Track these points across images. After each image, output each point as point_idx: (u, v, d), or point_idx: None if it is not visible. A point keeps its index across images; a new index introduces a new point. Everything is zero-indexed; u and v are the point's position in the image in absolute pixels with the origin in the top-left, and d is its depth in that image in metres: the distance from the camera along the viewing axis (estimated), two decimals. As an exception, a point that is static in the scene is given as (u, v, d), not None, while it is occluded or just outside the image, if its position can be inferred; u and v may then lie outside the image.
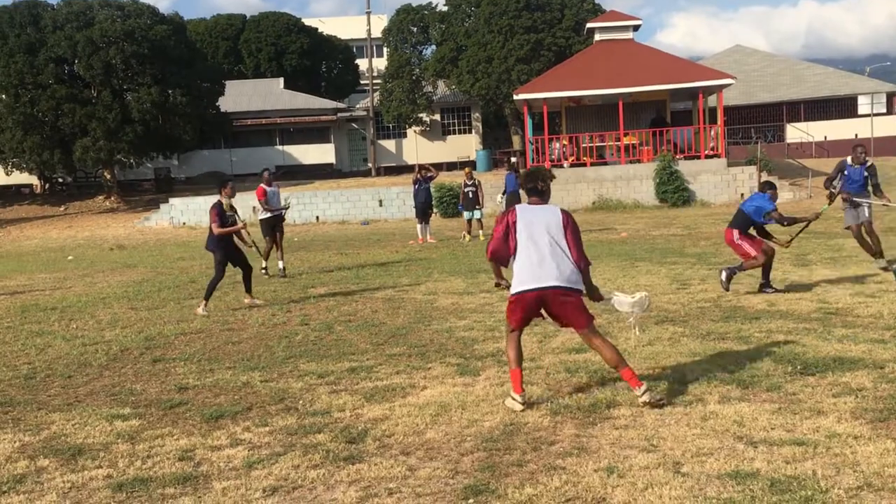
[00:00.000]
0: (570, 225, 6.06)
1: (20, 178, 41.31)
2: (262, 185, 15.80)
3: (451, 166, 41.23)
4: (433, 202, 24.69)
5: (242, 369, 7.69)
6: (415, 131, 46.13)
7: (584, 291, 6.13)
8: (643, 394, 5.81)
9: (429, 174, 22.20)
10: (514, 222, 6.08)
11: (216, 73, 41.53)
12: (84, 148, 35.14)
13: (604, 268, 13.81)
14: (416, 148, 46.41)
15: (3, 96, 35.28)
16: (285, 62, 50.64)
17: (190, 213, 33.53)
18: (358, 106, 48.84)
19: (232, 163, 44.37)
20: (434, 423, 5.73)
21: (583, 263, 6.04)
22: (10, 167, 37.99)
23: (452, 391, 6.52)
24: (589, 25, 35.57)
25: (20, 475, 5.07)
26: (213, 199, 35.42)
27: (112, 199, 38.84)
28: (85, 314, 11.75)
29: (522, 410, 5.86)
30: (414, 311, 10.55)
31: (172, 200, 34.53)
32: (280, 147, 45.53)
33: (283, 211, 15.98)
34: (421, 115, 44.30)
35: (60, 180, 43.14)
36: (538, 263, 5.93)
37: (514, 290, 6.02)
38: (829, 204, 12.28)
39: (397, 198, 32.57)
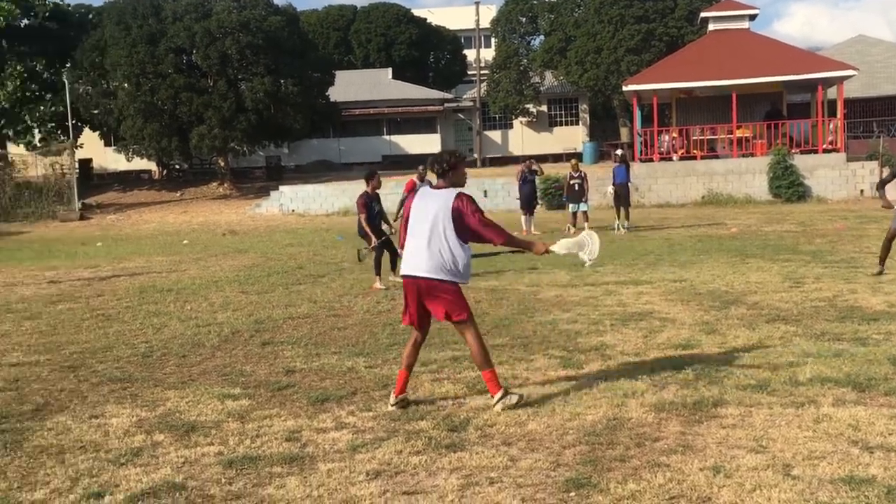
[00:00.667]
0: (468, 209, 5.80)
1: (140, 164, 43.07)
2: (414, 178, 16.12)
3: (556, 158, 40.89)
4: (538, 194, 24.58)
5: (348, 355, 7.83)
6: (521, 122, 45.96)
7: (461, 281, 5.88)
8: (496, 402, 5.78)
9: (533, 168, 22.15)
10: (410, 206, 6.05)
11: (327, 64, 42.32)
12: (200, 136, 36.34)
13: (713, 263, 13.47)
14: (521, 139, 46.24)
15: (126, 85, 36.78)
16: (394, 53, 51.20)
17: (299, 200, 34.29)
18: (465, 96, 48.98)
19: (340, 152, 45.17)
20: (536, 414, 5.70)
21: (503, 240, 5.90)
22: (130, 154, 39.65)
23: (555, 383, 6.48)
24: (703, 15, 34.66)
25: (137, 448, 5.30)
26: (321, 187, 35.96)
27: (225, 185, 40.08)
28: (199, 296, 12.18)
29: (393, 406, 5.90)
30: (517, 302, 10.53)
31: (282, 188, 35.38)
32: (387, 137, 46.09)
33: None
34: (527, 105, 44.09)
35: (177, 167, 44.77)
36: (412, 251, 5.89)
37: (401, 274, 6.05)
38: None
39: (502, 189, 32.50)
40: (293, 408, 6.12)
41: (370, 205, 12.71)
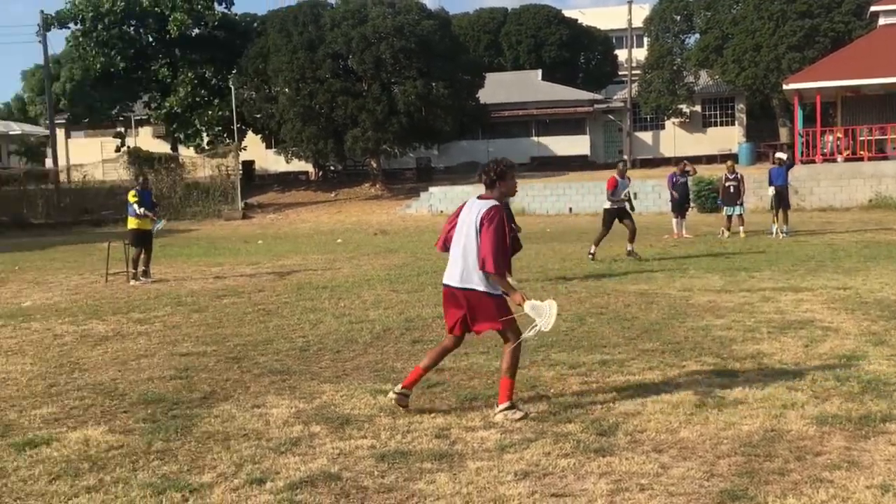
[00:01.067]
0: (486, 223, 5.68)
1: (298, 165, 44.81)
2: (616, 175, 16.25)
3: (710, 159, 39.67)
4: (691, 196, 23.93)
5: (495, 355, 7.86)
6: (673, 123, 44.87)
7: (493, 291, 5.78)
8: (500, 411, 5.73)
9: (686, 169, 21.57)
10: (458, 215, 5.99)
11: (477, 66, 42.73)
12: (354, 138, 37.44)
13: (881, 270, 12.75)
14: (673, 140, 45.13)
15: (287, 90, 38.35)
16: (544, 54, 51.07)
17: (448, 201, 34.74)
18: (615, 97, 48.28)
19: (489, 153, 45.42)
20: (688, 422, 5.58)
21: (482, 266, 5.67)
22: (290, 156, 41.37)
23: (708, 391, 6.31)
24: (872, 9, 32.86)
25: (296, 438, 5.53)
26: (470, 188, 36.17)
27: (377, 186, 41.12)
28: (352, 294, 12.55)
29: (391, 399, 5.98)
30: (668, 306, 10.30)
31: (432, 189, 35.96)
32: (535, 138, 46.03)
33: (626, 202, 16.25)
34: (680, 106, 43.00)
35: (332, 168, 46.30)
36: (451, 261, 5.90)
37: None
38: None
39: (652, 191, 31.84)
40: (443, 405, 6.22)
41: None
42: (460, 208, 6.07)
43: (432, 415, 5.96)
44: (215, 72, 42.55)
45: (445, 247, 6.14)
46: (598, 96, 47.47)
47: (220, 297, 12.64)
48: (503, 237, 5.70)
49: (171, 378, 7.35)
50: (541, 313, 5.90)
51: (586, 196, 33.08)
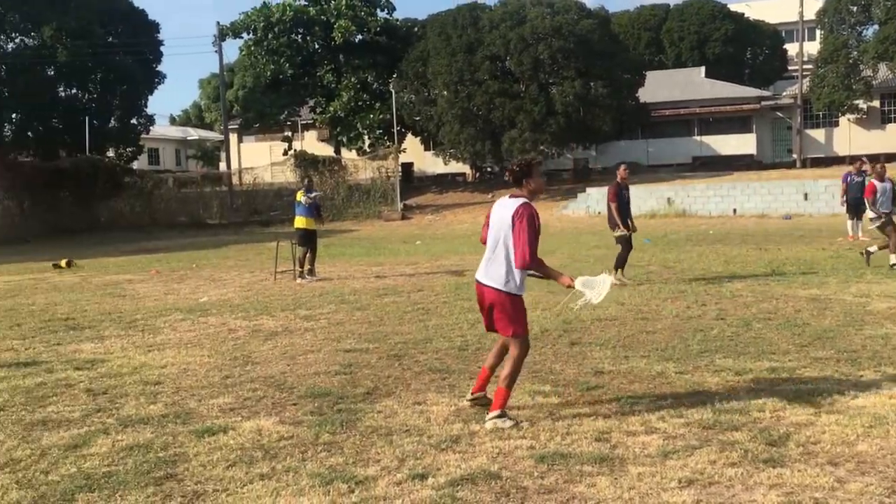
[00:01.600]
0: (517, 221, 5.72)
1: (455, 167, 45.41)
2: (874, 180, 14.59)
3: (890, 158, 37.28)
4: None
5: (657, 359, 7.71)
6: (848, 119, 42.47)
7: (516, 293, 5.84)
8: (490, 419, 5.75)
9: (863, 168, 20.37)
10: (489, 215, 6.06)
11: (637, 65, 41.95)
12: (511, 139, 37.55)
13: None
14: (848, 138, 42.74)
15: (445, 93, 38.95)
16: (707, 50, 49.54)
17: (605, 203, 34.25)
18: (784, 93, 46.19)
19: (648, 153, 44.52)
20: (867, 435, 5.27)
21: (521, 263, 5.71)
22: (447, 157, 41.97)
23: (889, 403, 5.94)
24: None
25: (456, 436, 5.60)
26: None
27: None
28: (509, 294, 12.58)
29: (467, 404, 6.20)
30: (843, 313, 9.76)
31: (589, 190, 35.56)
32: (697, 137, 44.69)
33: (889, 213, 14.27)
34: (856, 101, 40.61)
35: (489, 169, 46.60)
36: (484, 258, 5.98)
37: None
38: None
39: (825, 191, 30.29)
40: (602, 409, 6.15)
41: (620, 193, 13.55)
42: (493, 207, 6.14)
43: (592, 418, 5.90)
44: (377, 76, 43.73)
45: (485, 241, 6.16)
46: (765, 93, 45.57)
47: (380, 296, 12.97)
48: (535, 232, 5.74)
49: (336, 373, 7.61)
50: (592, 286, 6.00)
51: (752, 197, 31.84)
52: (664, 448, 5.19)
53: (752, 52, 52.29)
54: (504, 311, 5.88)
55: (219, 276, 17.65)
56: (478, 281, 6.06)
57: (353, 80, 43.26)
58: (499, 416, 5.79)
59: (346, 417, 6.11)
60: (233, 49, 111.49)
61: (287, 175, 43.55)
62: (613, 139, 42.18)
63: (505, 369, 5.91)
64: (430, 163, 47.59)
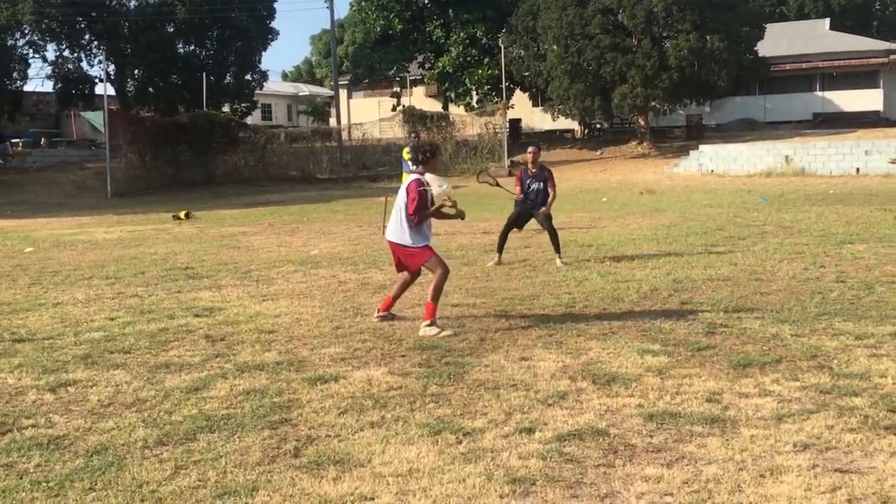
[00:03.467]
0: (409, 193, 7.66)
1: (564, 123, 44.81)
2: None
3: None
4: None
5: (771, 321, 7.49)
6: None
7: (411, 244, 7.73)
8: (424, 328, 7.39)
9: None
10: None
11: (756, 17, 40.26)
12: (622, 95, 36.74)
13: None
14: None
15: (555, 47, 38.32)
16: (833, 1, 47.14)
17: (719, 160, 33.28)
18: (916, 46, 43.64)
19: (765, 110, 42.91)
20: None
21: (412, 220, 7.67)
22: (556, 113, 41.43)
23: None
24: None
25: (563, 392, 5.60)
26: (743, 147, 34.64)
27: (644, 144, 40.19)
28: (617, 253, 12.43)
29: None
30: (974, 278, 9.24)
31: (702, 147, 34.59)
32: (819, 93, 42.80)
33: None
34: None
35: (598, 126, 45.83)
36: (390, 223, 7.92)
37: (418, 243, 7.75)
38: None
39: (957, 150, 28.61)
40: (713, 369, 6.03)
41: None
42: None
43: (703, 378, 5.79)
44: (486, 31, 43.38)
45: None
46: (894, 46, 43.12)
47: (487, 252, 12.99)
48: (418, 201, 7.63)
49: (444, 327, 7.68)
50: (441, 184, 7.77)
51: (877, 156, 30.33)
52: (778, 411, 5.05)
53: (881, 2, 49.47)
54: (408, 256, 7.80)
55: (329, 230, 18.01)
56: (389, 241, 7.94)
57: (462, 35, 43.04)
58: (429, 325, 7.38)
59: (454, 370, 6.18)
60: (344, 5, 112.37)
61: (395, 131, 43.85)
62: (729, 95, 40.73)
63: (431, 287, 7.57)
64: (538, 119, 47.11)
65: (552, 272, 10.85)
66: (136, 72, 45.91)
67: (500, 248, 11.89)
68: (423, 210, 7.67)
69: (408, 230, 7.70)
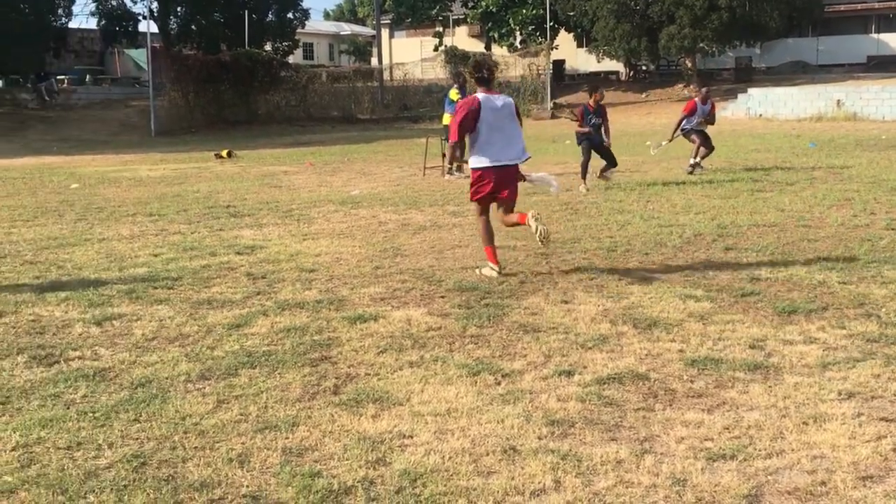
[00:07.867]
0: (457, 110, 7.39)
1: (609, 65, 44.02)
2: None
3: None
4: None
5: (818, 268, 7.35)
6: None
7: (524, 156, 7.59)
8: (533, 221, 7.07)
9: None
10: (478, 109, 7.17)
11: (811, -45, 38.89)
12: (669, 36, 35.94)
13: None
14: None
15: (601, -14, 37.50)
16: (892, -62, 45.34)
17: (767, 104, 32.52)
18: (979, -14, 41.94)
19: (818, 52, 41.71)
20: None
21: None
22: (601, 55, 40.70)
23: None
24: None
25: (603, 336, 5.56)
26: (793, 90, 33.75)
27: (691, 87, 39.36)
28: (661, 197, 12.25)
29: (499, 275, 7.24)
30: None
31: (751, 90, 33.82)
32: (875, 35, 41.47)
33: None
34: None
35: (644, 67, 44.95)
36: (499, 145, 7.31)
37: (483, 165, 7.28)
38: None
39: None
40: (757, 316, 5.94)
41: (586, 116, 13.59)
42: (472, 103, 7.27)
43: (746, 325, 5.71)
44: (533, -31, 42.52)
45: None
46: (956, -15, 41.54)
47: (528, 195, 12.84)
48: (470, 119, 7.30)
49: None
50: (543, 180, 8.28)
51: (933, 101, 29.42)
52: (823, 359, 4.97)
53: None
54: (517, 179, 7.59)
55: (369, 170, 17.99)
56: (505, 165, 7.34)
57: (506, -27, 42.24)
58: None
59: (493, 312, 6.16)
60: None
61: (437, 71, 43.42)
62: (780, 37, 39.61)
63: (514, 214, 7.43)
64: (582, 60, 46.32)
65: (594, 216, 10.74)
66: (178, 9, 45.82)
67: (584, 175, 13.71)
68: (463, 131, 7.32)
69: (522, 144, 7.54)
